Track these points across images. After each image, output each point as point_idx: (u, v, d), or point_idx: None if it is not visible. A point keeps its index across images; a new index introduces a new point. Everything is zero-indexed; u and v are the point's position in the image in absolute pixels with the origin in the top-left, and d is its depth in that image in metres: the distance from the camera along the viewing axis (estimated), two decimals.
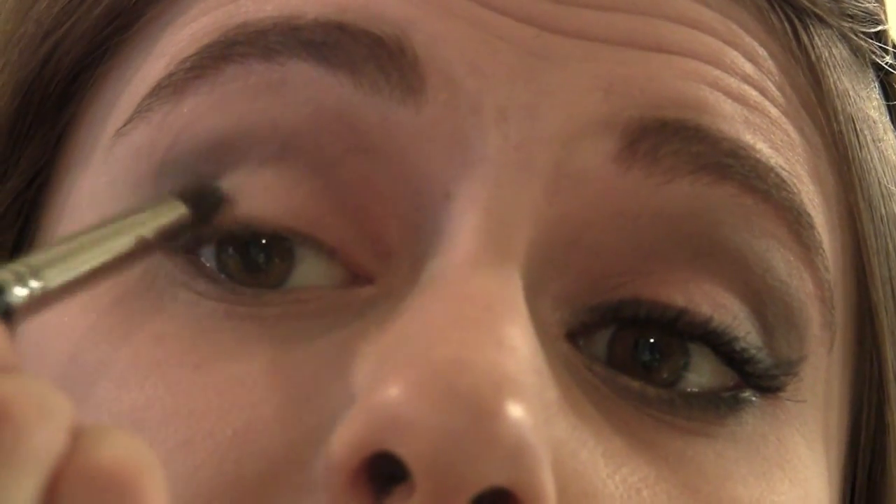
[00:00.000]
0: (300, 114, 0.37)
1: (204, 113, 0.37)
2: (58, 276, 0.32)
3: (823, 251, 0.39)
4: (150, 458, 0.27)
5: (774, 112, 0.39)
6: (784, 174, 0.38)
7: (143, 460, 0.27)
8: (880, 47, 0.43)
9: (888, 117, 0.44)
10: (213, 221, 0.37)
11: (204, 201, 0.37)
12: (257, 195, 0.37)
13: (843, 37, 0.42)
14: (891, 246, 0.42)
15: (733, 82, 0.38)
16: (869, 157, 0.42)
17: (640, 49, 0.37)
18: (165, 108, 0.38)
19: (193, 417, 0.35)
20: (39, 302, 0.32)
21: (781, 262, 0.38)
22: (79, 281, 0.33)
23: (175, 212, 0.36)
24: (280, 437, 0.34)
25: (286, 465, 0.34)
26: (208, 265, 0.37)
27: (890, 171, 0.43)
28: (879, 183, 0.42)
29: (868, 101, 0.43)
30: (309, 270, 0.37)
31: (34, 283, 0.31)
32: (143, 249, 0.35)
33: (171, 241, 0.36)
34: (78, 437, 0.27)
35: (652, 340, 0.38)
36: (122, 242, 0.35)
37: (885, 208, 0.42)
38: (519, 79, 0.36)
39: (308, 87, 0.37)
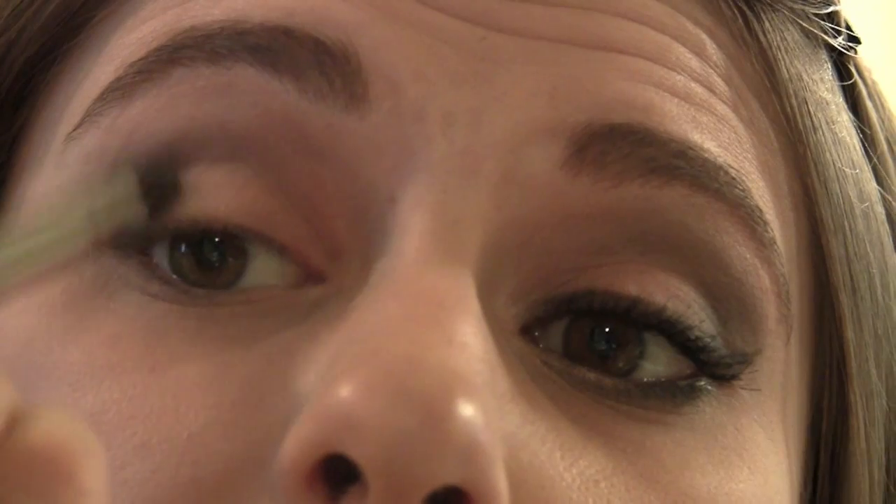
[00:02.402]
0: (247, 116, 0.37)
1: (153, 115, 0.37)
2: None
3: (778, 247, 0.39)
4: (86, 439, 0.27)
5: (721, 108, 0.39)
6: (733, 172, 0.38)
7: (79, 440, 0.27)
8: (832, 28, 0.43)
9: (842, 98, 0.44)
10: (168, 213, 0.37)
11: (159, 192, 0.36)
12: (209, 193, 0.37)
13: (795, 20, 0.42)
14: (847, 227, 0.42)
15: (679, 80, 0.38)
16: (823, 139, 0.42)
17: (585, 48, 0.37)
18: (114, 112, 0.38)
19: (150, 421, 0.35)
20: None
21: (737, 259, 0.38)
22: (21, 282, 0.32)
23: (129, 208, 0.35)
24: (236, 439, 0.34)
25: (243, 467, 0.34)
26: (161, 266, 0.37)
27: (844, 152, 0.43)
28: (834, 165, 0.42)
29: (821, 84, 0.42)
30: (262, 268, 0.37)
31: None
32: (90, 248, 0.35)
33: (122, 238, 0.36)
34: (16, 420, 0.27)
35: (607, 329, 0.38)
36: (73, 245, 0.34)
37: (840, 190, 0.42)
38: (464, 84, 0.36)
39: (254, 91, 0.37)
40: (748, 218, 0.38)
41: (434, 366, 0.32)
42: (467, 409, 0.32)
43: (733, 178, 0.38)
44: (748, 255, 0.38)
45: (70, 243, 0.34)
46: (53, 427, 0.27)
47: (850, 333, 0.42)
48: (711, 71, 0.39)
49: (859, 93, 0.45)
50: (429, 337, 0.33)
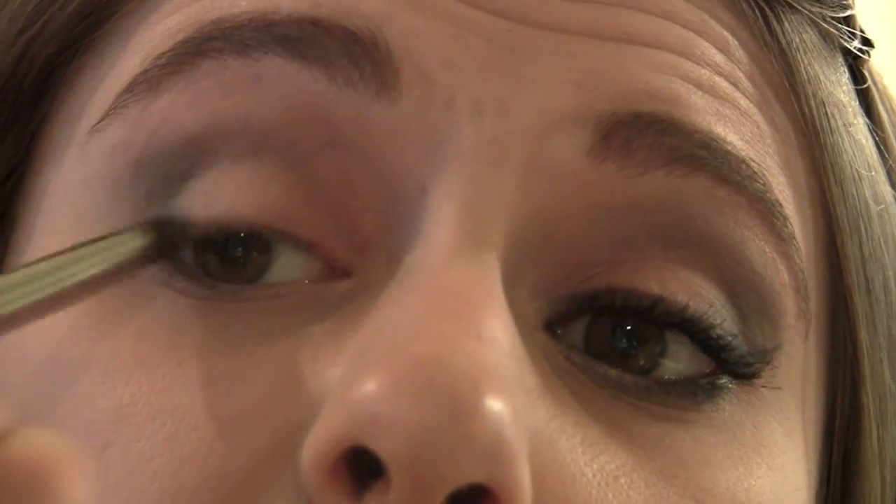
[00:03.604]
0: (275, 110, 0.37)
1: (179, 109, 0.37)
2: (8, 304, 0.32)
3: (797, 242, 0.39)
4: (69, 453, 0.27)
5: (744, 103, 0.39)
6: (755, 166, 0.38)
7: (61, 454, 0.27)
8: (849, 32, 0.44)
9: (857, 101, 0.44)
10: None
11: (165, 229, 0.37)
12: (232, 192, 0.37)
13: (813, 22, 0.42)
14: (863, 229, 0.42)
15: (704, 74, 0.39)
16: (840, 141, 0.42)
17: (611, 41, 0.38)
18: (141, 105, 0.38)
19: (178, 413, 0.35)
20: None
21: (756, 254, 0.38)
22: (28, 310, 0.33)
23: (136, 243, 0.36)
24: (263, 433, 0.34)
25: (270, 461, 0.34)
26: (187, 262, 0.37)
27: (860, 154, 0.43)
28: (851, 167, 0.42)
29: (838, 86, 0.43)
30: (287, 265, 0.37)
31: None
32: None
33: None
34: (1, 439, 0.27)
35: (629, 327, 0.38)
36: (80, 274, 0.34)
37: (856, 191, 0.42)
38: (492, 73, 0.37)
39: (283, 82, 0.37)
40: (768, 213, 0.39)
41: (462, 362, 0.32)
42: (494, 406, 0.32)
43: (755, 172, 0.38)
44: (767, 250, 0.39)
45: (75, 272, 0.34)
46: (34, 442, 0.27)
47: (863, 335, 0.42)
48: (735, 66, 0.39)
49: (872, 97, 0.46)
50: (456, 332, 0.33)
